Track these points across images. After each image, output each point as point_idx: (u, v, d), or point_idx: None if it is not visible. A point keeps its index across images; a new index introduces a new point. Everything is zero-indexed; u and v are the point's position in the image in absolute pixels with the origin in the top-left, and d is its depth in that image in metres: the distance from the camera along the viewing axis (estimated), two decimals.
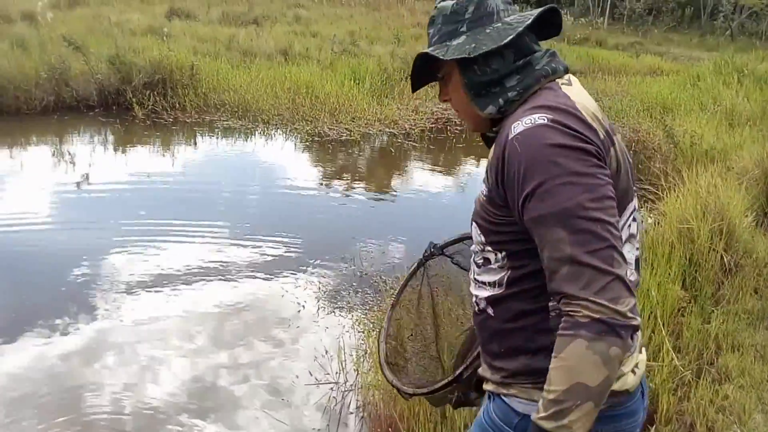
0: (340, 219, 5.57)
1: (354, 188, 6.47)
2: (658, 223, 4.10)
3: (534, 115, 1.06)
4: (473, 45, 1.13)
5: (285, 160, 7.17)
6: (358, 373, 2.97)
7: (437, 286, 1.74)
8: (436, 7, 1.22)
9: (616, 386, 1.11)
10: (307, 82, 9.24)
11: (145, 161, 6.70)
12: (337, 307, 3.82)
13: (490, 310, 1.21)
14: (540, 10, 1.16)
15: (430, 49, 1.19)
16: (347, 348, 3.19)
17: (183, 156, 7.01)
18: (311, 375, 3.07)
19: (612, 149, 1.11)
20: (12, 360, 3.16)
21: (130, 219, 5.06)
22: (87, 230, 4.84)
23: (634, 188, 1.22)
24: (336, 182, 6.62)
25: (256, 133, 7.90)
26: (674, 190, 4.48)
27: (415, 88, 1.32)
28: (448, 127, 9.00)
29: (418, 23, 18.55)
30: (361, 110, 8.83)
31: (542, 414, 0.99)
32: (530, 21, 1.14)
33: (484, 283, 1.22)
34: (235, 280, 4.13)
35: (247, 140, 7.70)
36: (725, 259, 3.76)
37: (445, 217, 5.84)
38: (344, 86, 9.42)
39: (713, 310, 3.29)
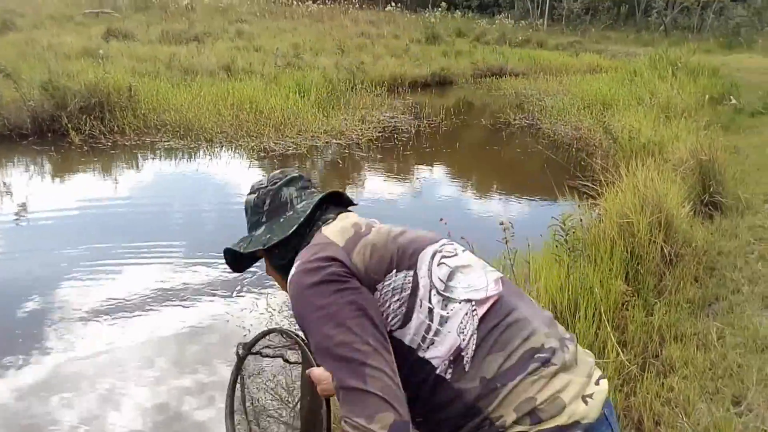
0: None
1: None
2: (600, 219, 4.17)
3: (292, 270, 1.22)
4: (268, 236, 1.33)
5: (232, 178, 7.03)
6: None
7: (257, 381, 1.77)
8: (245, 200, 1.44)
9: (561, 420, 1.06)
10: (251, 98, 9.13)
11: (85, 188, 6.47)
12: (287, 327, 3.74)
13: None
14: (321, 195, 1.37)
15: (232, 245, 1.39)
16: None
17: (125, 180, 6.79)
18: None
19: (363, 239, 1.23)
20: None
21: (77, 247, 4.88)
22: (33, 261, 4.63)
23: (433, 238, 1.28)
24: None
25: (200, 151, 7.73)
26: (614, 186, 4.57)
27: (241, 270, 1.51)
28: (396, 136, 9.02)
29: (362, 33, 18.62)
30: (306, 123, 8.77)
31: None
32: (311, 209, 1.32)
33: None
34: (192, 303, 4.03)
35: (191, 160, 7.52)
36: (665, 251, 3.84)
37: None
38: (289, 99, 9.34)
39: (656, 302, 3.34)
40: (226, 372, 3.31)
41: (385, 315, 1.16)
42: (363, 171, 7.70)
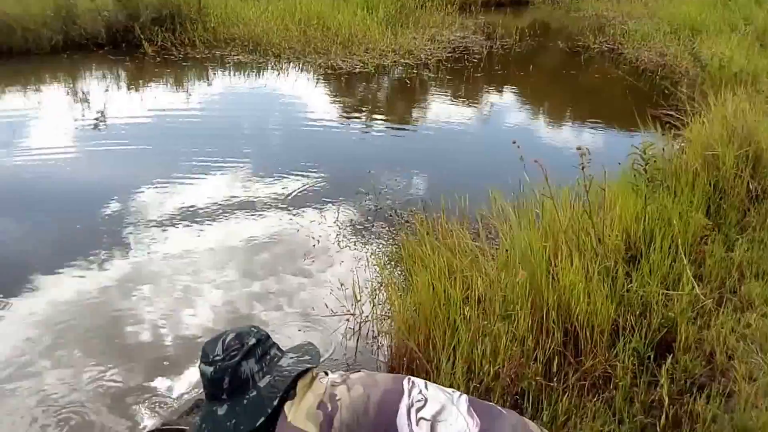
0: (358, 152, 5.50)
1: (371, 121, 6.34)
2: (683, 150, 3.96)
3: None
4: (234, 421, 1.26)
5: (299, 94, 7.03)
6: (373, 305, 2.97)
7: None
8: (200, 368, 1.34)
9: None
10: (318, 13, 8.95)
11: (160, 98, 6.62)
12: (353, 241, 3.80)
13: None
14: (293, 378, 1.29)
15: (196, 426, 1.32)
16: (362, 280, 3.18)
17: (197, 92, 6.91)
18: (327, 307, 3.07)
19: (335, 421, 1.21)
20: (53, 292, 3.22)
21: (153, 156, 5.07)
22: (111, 167, 4.86)
23: (399, 389, 1.29)
24: (353, 115, 6.49)
25: (268, 67, 7.72)
26: (700, 116, 4.30)
27: None
28: (466, 57, 8.71)
29: None
30: (374, 41, 8.57)
31: None
32: (281, 394, 1.27)
33: None
34: (259, 215, 4.14)
35: (259, 75, 7.54)
36: (752, 186, 3.63)
37: (464, 148, 5.72)
38: (357, 16, 9.11)
39: (738, 238, 3.19)
40: (291, 281, 3.42)
41: None
42: (432, 92, 7.53)
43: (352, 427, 1.21)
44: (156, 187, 4.47)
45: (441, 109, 6.89)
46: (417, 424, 1.21)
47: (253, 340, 1.33)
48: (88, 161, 4.99)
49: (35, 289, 3.26)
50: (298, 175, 4.73)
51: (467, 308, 2.42)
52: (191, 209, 4.16)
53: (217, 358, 1.30)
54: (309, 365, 1.35)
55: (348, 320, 2.99)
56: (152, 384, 2.61)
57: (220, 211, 4.16)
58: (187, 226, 3.96)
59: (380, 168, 4.96)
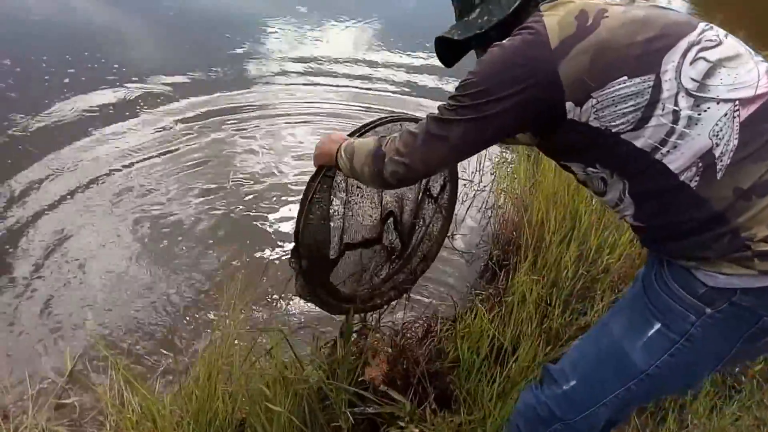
0: None
1: None
2: None
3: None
4: (486, 17, 1.13)
5: None
6: (494, 177, 2.94)
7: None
8: None
9: None
10: None
11: None
12: None
13: None
14: None
15: (446, 32, 1.19)
16: (489, 152, 3.12)
17: None
18: None
19: (586, 40, 1.00)
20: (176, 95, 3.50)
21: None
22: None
23: (688, 24, 1.04)
24: None
25: None
26: None
27: (451, 65, 1.29)
28: None
29: None
30: None
31: None
32: None
33: None
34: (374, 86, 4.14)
35: None
36: None
37: None
38: None
39: None
40: None
41: (607, 119, 1.02)
42: None
43: (603, 52, 1.00)
44: (284, 30, 4.62)
45: None
46: (691, 63, 0.99)
47: None
48: None
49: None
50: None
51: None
52: (312, 62, 4.28)
53: None
54: None
55: (465, 185, 2.98)
56: None
57: (339, 74, 4.19)
58: (307, 82, 4.04)
59: None
